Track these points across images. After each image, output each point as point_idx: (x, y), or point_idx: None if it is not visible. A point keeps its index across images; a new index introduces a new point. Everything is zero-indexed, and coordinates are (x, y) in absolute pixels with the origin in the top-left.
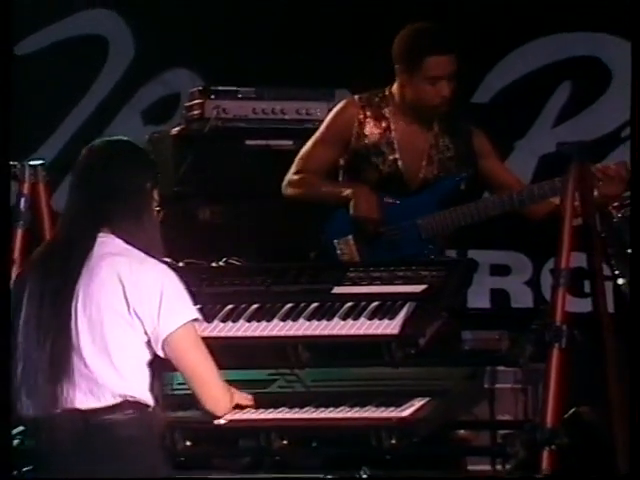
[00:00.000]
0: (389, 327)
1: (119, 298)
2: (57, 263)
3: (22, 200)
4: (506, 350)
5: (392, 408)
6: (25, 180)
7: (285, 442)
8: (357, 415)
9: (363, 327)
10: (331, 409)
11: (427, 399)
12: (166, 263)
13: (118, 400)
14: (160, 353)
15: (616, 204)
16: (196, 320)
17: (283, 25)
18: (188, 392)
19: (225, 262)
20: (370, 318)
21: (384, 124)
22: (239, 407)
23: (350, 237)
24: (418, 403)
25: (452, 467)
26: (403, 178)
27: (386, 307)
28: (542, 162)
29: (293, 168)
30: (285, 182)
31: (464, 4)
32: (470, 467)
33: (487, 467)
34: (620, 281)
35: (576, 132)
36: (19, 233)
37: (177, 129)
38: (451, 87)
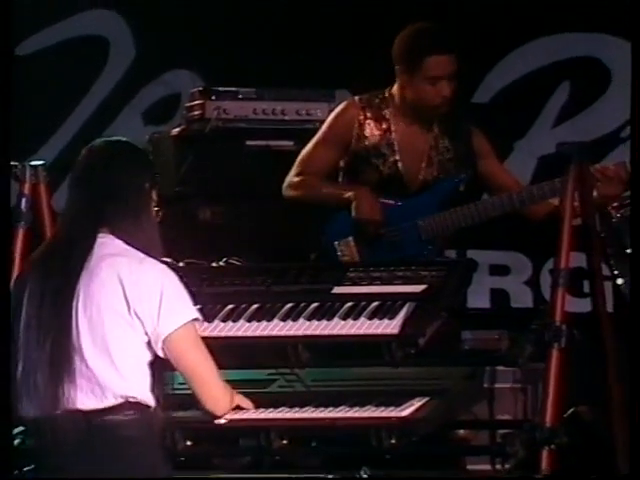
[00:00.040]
0: (389, 327)
1: (119, 299)
2: (58, 263)
3: (23, 200)
4: (506, 350)
5: (392, 408)
6: (26, 180)
7: (285, 442)
8: (357, 415)
9: (363, 327)
10: (331, 409)
11: (427, 399)
12: (166, 263)
13: (119, 401)
14: (160, 353)
15: (615, 204)
16: (196, 320)
17: (283, 25)
18: (188, 392)
19: (225, 262)
20: (370, 318)
21: (384, 125)
22: (239, 409)
23: (350, 238)
24: (418, 403)
25: (452, 467)
26: (403, 179)
27: (386, 307)
28: (542, 162)
29: (294, 170)
30: (286, 184)
31: (464, 4)
32: (469, 466)
33: (487, 466)
34: (619, 281)
35: (575, 132)
36: (20, 233)
37: (178, 129)
38: (452, 87)
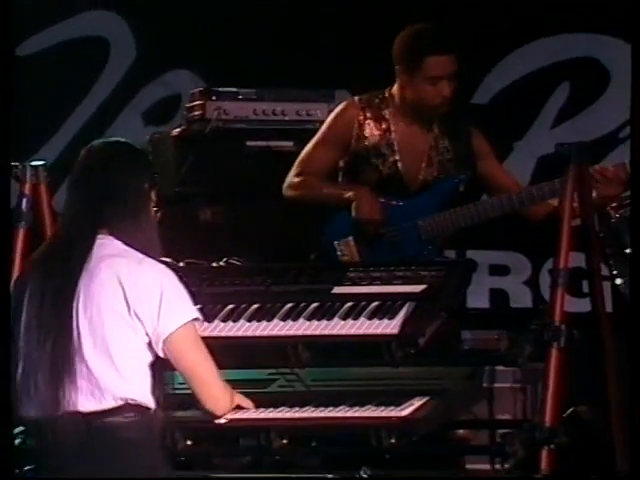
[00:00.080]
0: (389, 327)
1: (119, 300)
2: (58, 263)
3: (23, 201)
4: (505, 350)
5: (392, 407)
6: (26, 181)
7: (285, 441)
8: (357, 414)
9: (363, 327)
10: (331, 408)
11: (427, 398)
12: (166, 263)
13: (119, 403)
14: (160, 353)
15: (614, 204)
16: (196, 320)
17: (283, 26)
18: (188, 392)
19: (225, 262)
20: (370, 318)
21: (384, 125)
22: (239, 408)
23: (350, 238)
24: (418, 402)
25: (451, 466)
26: (403, 180)
27: (386, 307)
28: (541, 163)
29: (294, 170)
30: (286, 184)
31: (464, 4)
32: (469, 466)
33: (486, 466)
34: (618, 281)
35: (575, 133)
36: (20, 234)
37: (178, 130)
38: (451, 87)
